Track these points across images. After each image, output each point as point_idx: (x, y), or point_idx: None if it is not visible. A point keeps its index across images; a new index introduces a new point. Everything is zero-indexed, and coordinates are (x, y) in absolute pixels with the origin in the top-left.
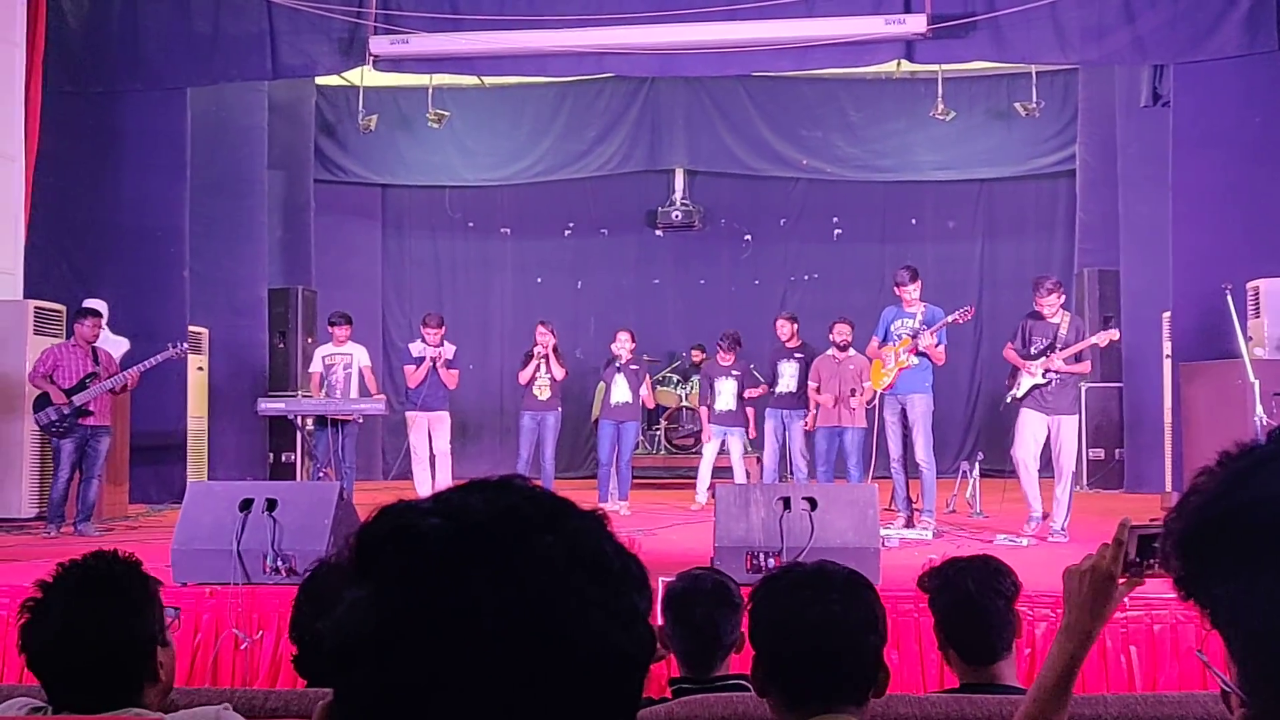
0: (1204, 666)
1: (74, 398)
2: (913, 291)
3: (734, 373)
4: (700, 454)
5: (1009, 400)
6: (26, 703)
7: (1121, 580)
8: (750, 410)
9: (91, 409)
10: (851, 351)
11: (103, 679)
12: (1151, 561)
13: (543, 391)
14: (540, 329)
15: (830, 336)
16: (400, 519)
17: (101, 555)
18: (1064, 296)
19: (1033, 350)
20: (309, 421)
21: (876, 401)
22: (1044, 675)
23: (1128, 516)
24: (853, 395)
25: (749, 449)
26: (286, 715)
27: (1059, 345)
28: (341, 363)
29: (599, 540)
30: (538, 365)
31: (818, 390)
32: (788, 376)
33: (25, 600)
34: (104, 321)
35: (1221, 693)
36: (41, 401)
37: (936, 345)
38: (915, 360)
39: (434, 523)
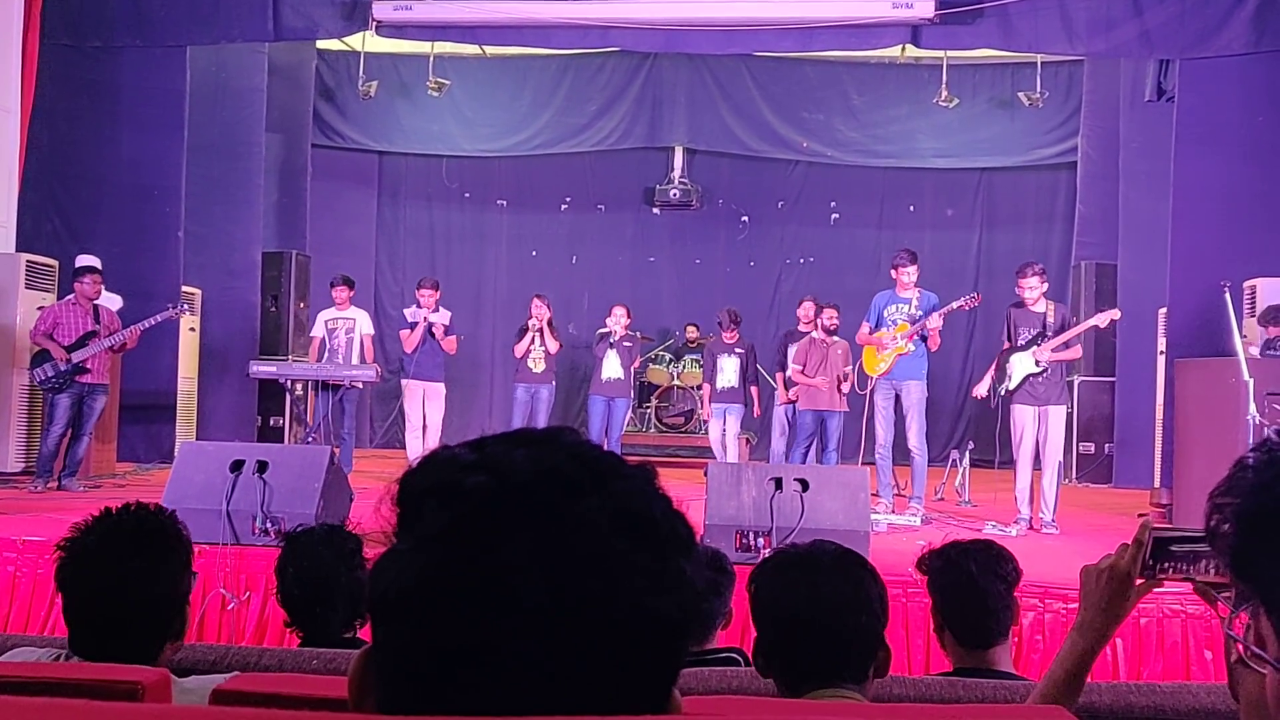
0: (1225, 644)
1: (73, 354)
2: (911, 274)
3: (737, 350)
4: (690, 432)
5: (1001, 393)
6: (36, 652)
7: (1139, 581)
8: (754, 389)
9: (89, 366)
10: (837, 337)
11: (133, 632)
12: (1166, 565)
13: (537, 364)
14: (536, 302)
15: (820, 320)
16: (442, 472)
17: (144, 508)
18: (1047, 283)
19: (1021, 341)
20: (299, 386)
21: (868, 387)
22: (1055, 670)
23: (1149, 518)
24: (844, 380)
25: (741, 429)
26: (280, 673)
27: (1049, 333)
28: (344, 327)
29: (646, 501)
30: (532, 338)
31: (803, 372)
32: None
33: (62, 540)
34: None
35: (1237, 664)
36: (39, 358)
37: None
38: (912, 347)
39: (476, 480)
